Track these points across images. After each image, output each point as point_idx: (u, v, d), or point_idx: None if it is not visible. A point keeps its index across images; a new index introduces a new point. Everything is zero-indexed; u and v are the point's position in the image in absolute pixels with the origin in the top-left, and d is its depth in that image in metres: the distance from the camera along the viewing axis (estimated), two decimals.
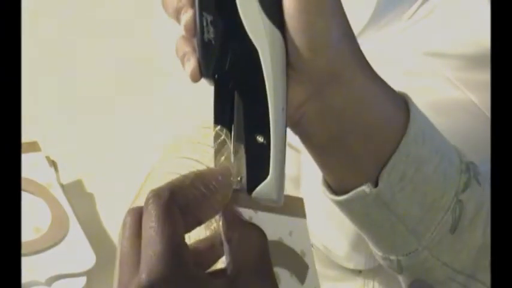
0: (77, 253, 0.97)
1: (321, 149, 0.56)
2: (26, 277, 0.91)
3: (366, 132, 0.55)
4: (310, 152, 0.56)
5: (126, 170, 1.10)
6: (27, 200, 1.01)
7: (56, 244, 0.97)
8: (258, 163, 0.49)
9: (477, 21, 0.72)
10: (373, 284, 0.77)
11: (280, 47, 0.50)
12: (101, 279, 0.96)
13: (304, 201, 0.58)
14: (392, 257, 0.59)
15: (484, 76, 0.71)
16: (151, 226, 0.46)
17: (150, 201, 0.47)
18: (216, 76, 0.51)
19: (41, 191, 1.03)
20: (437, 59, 0.74)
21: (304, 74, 0.52)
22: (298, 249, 0.55)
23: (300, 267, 0.56)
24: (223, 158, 0.49)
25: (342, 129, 0.54)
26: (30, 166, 1.05)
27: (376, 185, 0.55)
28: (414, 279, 0.59)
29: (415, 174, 0.55)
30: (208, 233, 0.57)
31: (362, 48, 0.55)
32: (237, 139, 0.50)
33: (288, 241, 0.55)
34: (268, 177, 0.49)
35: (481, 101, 0.72)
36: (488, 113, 0.70)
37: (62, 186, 1.07)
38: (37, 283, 0.93)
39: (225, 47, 0.50)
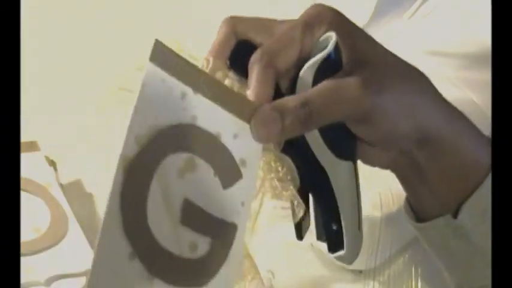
0: (76, 253, 0.97)
1: (405, 180, 0.58)
2: (25, 277, 0.91)
3: (448, 170, 0.56)
4: (397, 177, 0.59)
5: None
6: (26, 200, 1.01)
7: (55, 244, 0.97)
8: (335, 240, 0.57)
9: (478, 20, 0.72)
10: (373, 284, 0.77)
11: (344, 170, 0.57)
12: None
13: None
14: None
15: (485, 75, 0.71)
16: None
17: None
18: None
19: (40, 191, 1.03)
20: (437, 58, 0.74)
21: (387, 150, 0.56)
22: (237, 156, 0.53)
23: (229, 171, 0.52)
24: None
25: (428, 171, 0.56)
26: (30, 166, 1.05)
27: (455, 215, 0.56)
28: None
29: None
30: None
31: None
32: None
33: (229, 143, 0.52)
34: (344, 251, 0.57)
35: (481, 100, 0.72)
36: (488, 112, 0.70)
37: (61, 186, 1.06)
38: (36, 283, 0.92)
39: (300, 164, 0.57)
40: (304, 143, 0.56)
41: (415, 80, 0.56)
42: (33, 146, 1.08)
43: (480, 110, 0.71)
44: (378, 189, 0.78)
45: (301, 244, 0.73)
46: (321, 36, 0.55)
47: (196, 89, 0.51)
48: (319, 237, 0.58)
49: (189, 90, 0.51)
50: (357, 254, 0.58)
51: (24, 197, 1.00)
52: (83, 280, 0.95)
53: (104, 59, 1.29)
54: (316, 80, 0.54)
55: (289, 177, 0.56)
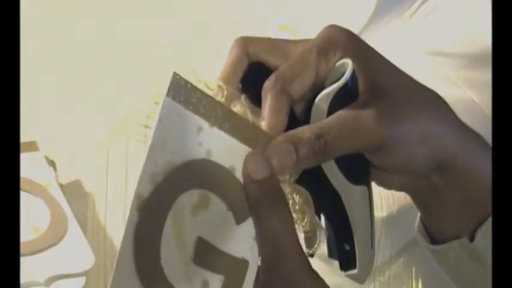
0: (76, 253, 0.97)
1: (421, 202, 0.58)
2: (24, 277, 0.91)
3: (466, 194, 0.56)
4: (412, 199, 0.58)
5: (125, 170, 1.09)
6: (25, 200, 1.00)
7: (54, 244, 0.97)
8: (347, 260, 0.58)
9: (478, 20, 0.72)
10: (374, 284, 0.77)
11: (358, 194, 0.57)
12: (100, 280, 0.96)
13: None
14: None
15: (485, 75, 0.71)
16: None
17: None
18: None
19: (40, 191, 1.03)
20: (438, 57, 0.74)
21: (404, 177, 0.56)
22: None
23: (242, 206, 0.51)
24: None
25: (446, 195, 0.56)
26: (29, 166, 1.04)
27: (472, 238, 0.56)
28: None
29: None
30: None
31: None
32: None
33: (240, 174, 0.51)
34: (356, 270, 0.58)
35: (481, 100, 0.72)
36: (489, 112, 0.70)
37: (61, 185, 1.06)
38: (36, 283, 0.92)
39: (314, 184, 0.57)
40: (319, 168, 0.55)
41: (432, 107, 0.55)
42: (33, 146, 1.08)
43: (480, 109, 0.71)
44: (378, 189, 0.78)
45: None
46: (336, 62, 0.54)
47: (213, 122, 0.50)
48: (330, 255, 0.58)
49: (205, 124, 0.50)
50: (369, 272, 0.58)
51: (23, 196, 1.00)
52: (83, 280, 0.95)
53: (104, 59, 1.29)
54: (332, 108, 0.53)
55: (306, 208, 0.55)
